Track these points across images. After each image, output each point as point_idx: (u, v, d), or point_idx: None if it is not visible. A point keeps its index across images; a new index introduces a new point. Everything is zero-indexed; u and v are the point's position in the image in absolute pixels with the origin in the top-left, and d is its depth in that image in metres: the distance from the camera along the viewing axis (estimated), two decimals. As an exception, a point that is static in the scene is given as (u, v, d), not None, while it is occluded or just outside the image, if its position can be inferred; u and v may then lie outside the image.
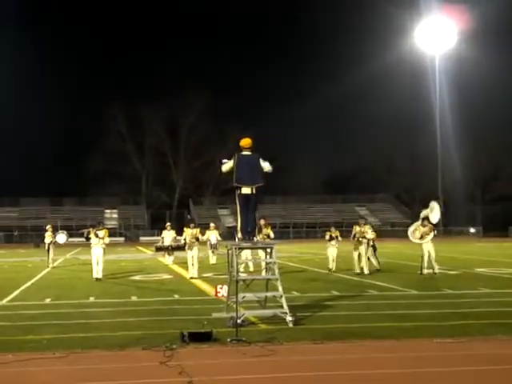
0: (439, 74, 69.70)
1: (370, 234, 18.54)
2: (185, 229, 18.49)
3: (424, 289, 14.15)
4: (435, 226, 18.59)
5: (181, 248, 19.69)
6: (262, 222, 17.59)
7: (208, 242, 22.84)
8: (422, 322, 9.59)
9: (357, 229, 18.50)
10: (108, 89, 76.77)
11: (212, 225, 23.56)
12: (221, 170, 10.30)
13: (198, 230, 18.54)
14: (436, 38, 67.97)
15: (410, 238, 18.62)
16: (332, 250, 19.16)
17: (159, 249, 22.90)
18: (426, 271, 17.84)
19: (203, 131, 71.89)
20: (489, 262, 22.96)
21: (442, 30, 67.58)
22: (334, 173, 77.36)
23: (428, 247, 18.14)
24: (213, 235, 22.66)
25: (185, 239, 18.28)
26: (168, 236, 22.56)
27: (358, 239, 18.27)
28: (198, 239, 18.19)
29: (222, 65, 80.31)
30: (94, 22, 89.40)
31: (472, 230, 65.13)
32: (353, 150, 72.85)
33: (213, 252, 23.41)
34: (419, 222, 18.50)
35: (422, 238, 18.24)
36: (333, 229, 19.62)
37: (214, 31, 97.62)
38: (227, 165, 10.16)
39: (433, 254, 18.08)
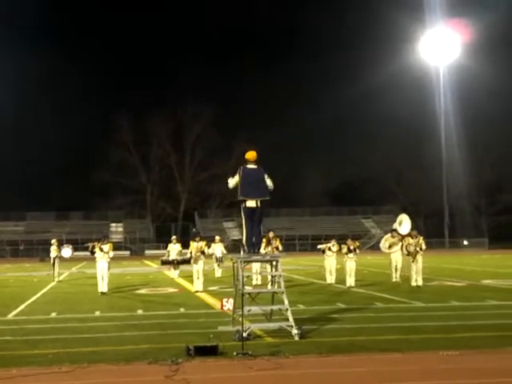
0: (443, 85, 69.82)
1: (424, 245, 18.35)
2: (191, 242, 18.47)
3: (430, 301, 14.09)
4: (404, 236, 18.80)
5: (186, 262, 19.64)
6: (271, 234, 17.57)
7: (213, 255, 22.82)
8: (428, 335, 9.53)
9: (410, 240, 18.13)
10: (114, 100, 77.14)
11: (217, 238, 23.59)
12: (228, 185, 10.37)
13: (204, 243, 18.51)
14: (440, 50, 68.21)
15: (382, 248, 19.46)
16: (350, 264, 17.91)
17: (165, 262, 22.84)
18: (394, 280, 18.90)
19: (209, 143, 71.91)
20: (496, 274, 22.85)
21: (446, 41, 67.85)
22: (339, 184, 77.21)
23: (395, 257, 19.01)
24: (218, 248, 22.64)
25: (191, 253, 18.25)
26: (174, 249, 22.50)
27: (416, 251, 17.90)
28: (203, 252, 18.16)
29: (227, 77, 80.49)
30: (100, 33, 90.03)
31: (466, 243, 64.84)
32: (358, 161, 72.74)
33: (218, 265, 23.38)
34: (389, 234, 19.42)
35: (390, 247, 18.95)
36: (349, 240, 18.50)
37: (220, 44, 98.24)
38: (233, 180, 10.22)
39: (399, 265, 19.02)
